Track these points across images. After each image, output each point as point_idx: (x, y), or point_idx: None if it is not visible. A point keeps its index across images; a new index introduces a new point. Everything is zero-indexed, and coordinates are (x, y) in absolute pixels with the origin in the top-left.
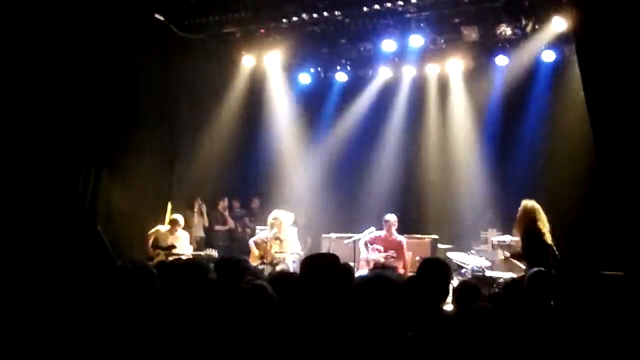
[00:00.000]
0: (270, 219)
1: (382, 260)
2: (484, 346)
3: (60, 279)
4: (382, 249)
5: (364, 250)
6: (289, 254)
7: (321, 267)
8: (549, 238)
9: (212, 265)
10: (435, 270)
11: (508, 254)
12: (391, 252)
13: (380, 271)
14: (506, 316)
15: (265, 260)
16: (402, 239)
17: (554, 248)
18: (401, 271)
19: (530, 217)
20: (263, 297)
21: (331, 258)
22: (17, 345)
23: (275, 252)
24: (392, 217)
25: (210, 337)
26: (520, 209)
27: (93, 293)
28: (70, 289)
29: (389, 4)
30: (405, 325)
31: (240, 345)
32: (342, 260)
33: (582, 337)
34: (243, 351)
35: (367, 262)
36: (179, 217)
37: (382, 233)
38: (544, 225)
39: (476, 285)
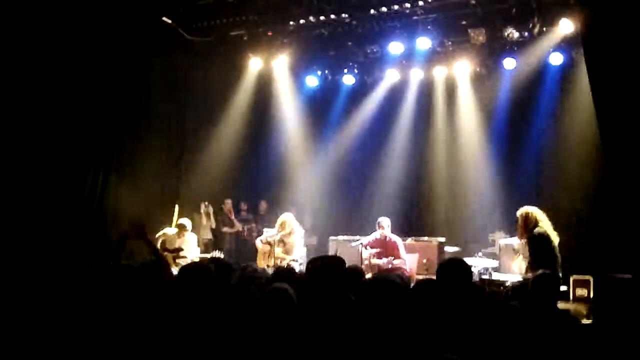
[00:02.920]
0: (278, 222)
1: (384, 265)
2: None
3: (67, 280)
4: (379, 252)
5: (365, 253)
6: (290, 260)
7: (327, 269)
8: (554, 243)
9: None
10: (456, 271)
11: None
12: (390, 258)
13: (386, 274)
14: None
15: (269, 264)
16: (397, 239)
17: (557, 250)
18: (407, 271)
19: (533, 222)
20: (284, 300)
21: (337, 261)
22: (21, 346)
23: (278, 256)
24: (384, 220)
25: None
26: (520, 215)
27: (100, 293)
28: (78, 289)
29: (396, 7)
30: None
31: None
32: (348, 263)
33: (590, 339)
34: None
35: (372, 266)
36: (187, 222)
37: (378, 234)
38: (548, 228)
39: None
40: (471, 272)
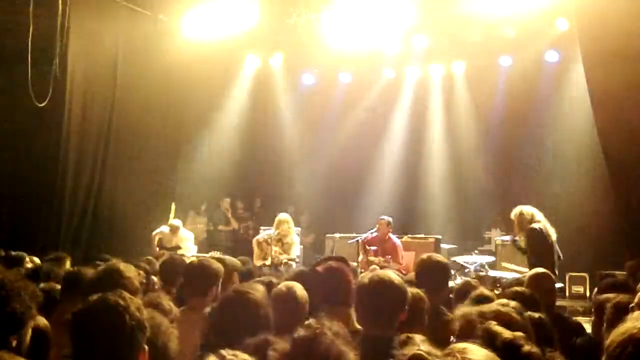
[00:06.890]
0: (276, 221)
1: (380, 263)
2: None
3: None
4: (375, 250)
5: (361, 252)
6: (288, 260)
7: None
8: (551, 238)
9: None
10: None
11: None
12: (387, 257)
13: (382, 272)
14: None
15: (266, 263)
16: (397, 241)
17: (557, 248)
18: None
19: (529, 220)
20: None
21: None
22: None
23: (275, 255)
24: (386, 218)
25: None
26: (514, 215)
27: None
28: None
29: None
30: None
31: None
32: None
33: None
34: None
35: (368, 263)
36: (178, 222)
37: (377, 232)
38: (546, 223)
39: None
40: (448, 269)
